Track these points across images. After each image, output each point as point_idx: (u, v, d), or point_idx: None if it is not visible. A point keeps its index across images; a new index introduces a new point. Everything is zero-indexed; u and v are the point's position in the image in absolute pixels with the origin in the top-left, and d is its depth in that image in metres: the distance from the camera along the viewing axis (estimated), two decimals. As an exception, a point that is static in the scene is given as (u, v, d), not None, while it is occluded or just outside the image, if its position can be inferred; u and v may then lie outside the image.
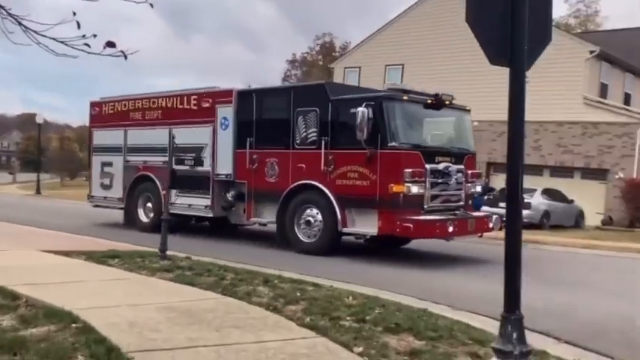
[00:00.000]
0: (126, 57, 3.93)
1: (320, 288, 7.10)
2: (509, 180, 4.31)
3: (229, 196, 13.04)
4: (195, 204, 13.50)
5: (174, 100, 14.10)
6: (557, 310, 6.95)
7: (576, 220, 22.16)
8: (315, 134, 11.37)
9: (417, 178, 10.32)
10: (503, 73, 4.14)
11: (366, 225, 10.65)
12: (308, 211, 11.45)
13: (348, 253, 11.41)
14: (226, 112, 12.98)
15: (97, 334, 4.62)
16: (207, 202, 13.27)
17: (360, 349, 4.64)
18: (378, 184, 10.32)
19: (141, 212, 14.76)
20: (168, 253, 9.02)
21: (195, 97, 13.67)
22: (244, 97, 12.88)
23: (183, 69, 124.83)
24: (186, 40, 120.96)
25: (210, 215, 13.33)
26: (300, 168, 11.56)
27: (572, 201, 22.04)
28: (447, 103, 11.02)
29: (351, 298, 6.53)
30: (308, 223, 11.42)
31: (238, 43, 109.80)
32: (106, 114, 15.91)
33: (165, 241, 9.00)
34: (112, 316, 5.33)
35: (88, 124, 17.60)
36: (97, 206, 16.41)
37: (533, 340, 4.59)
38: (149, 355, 4.28)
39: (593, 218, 22.89)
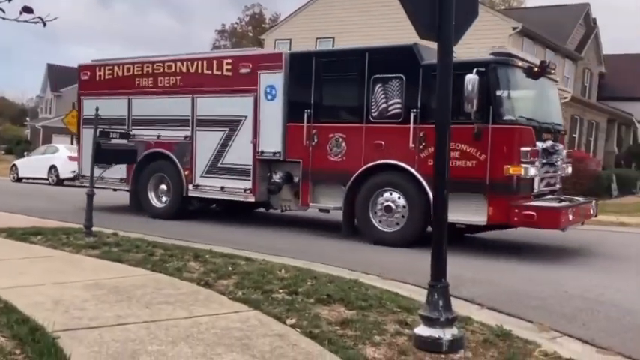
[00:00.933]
0: (45, 23, 3.71)
1: (252, 262, 7.11)
2: (437, 153, 4.45)
3: (277, 177, 11.10)
4: (229, 187, 11.48)
5: (200, 63, 12.00)
6: (481, 279, 7.24)
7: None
8: (399, 106, 9.74)
9: (532, 159, 9.05)
10: (431, 48, 4.23)
11: (468, 213, 9.04)
12: (387, 195, 9.80)
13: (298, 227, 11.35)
14: (273, 80, 11.02)
15: (19, 314, 4.45)
16: (248, 184, 11.24)
17: (293, 320, 4.70)
18: (489, 164, 8.92)
19: (152, 196, 12.68)
20: (94, 229, 8.77)
21: (229, 60, 11.69)
22: (299, 61, 10.99)
23: (106, 39, 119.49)
24: (108, 7, 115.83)
25: (252, 200, 11.36)
26: (377, 145, 9.87)
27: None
28: (553, 72, 9.85)
29: (283, 270, 6.57)
30: (388, 209, 9.77)
31: (163, 11, 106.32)
32: (102, 80, 13.56)
33: (91, 217, 8.73)
34: (36, 294, 5.15)
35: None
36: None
37: (459, 307, 4.79)
38: (76, 333, 4.16)
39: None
